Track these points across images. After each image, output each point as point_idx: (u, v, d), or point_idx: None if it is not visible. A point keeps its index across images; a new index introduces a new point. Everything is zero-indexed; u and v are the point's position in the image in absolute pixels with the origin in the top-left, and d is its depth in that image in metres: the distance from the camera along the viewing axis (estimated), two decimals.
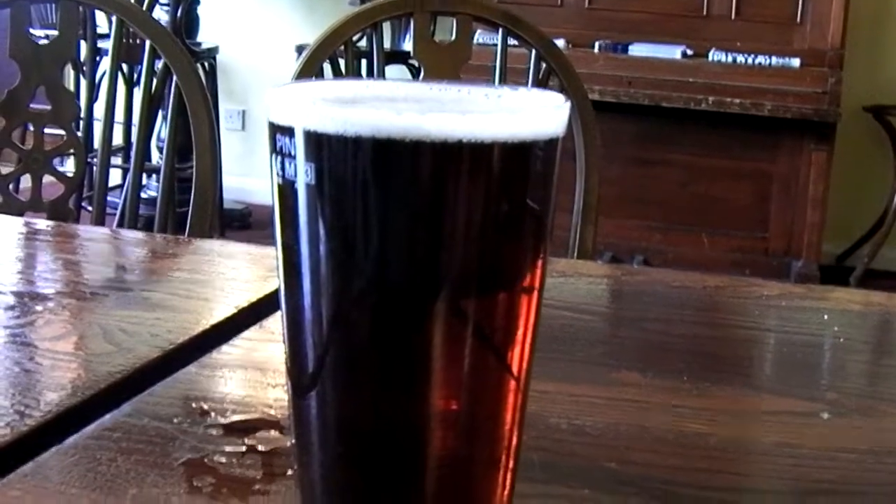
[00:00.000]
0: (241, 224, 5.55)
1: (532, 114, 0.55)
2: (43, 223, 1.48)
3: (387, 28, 3.43)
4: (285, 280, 0.58)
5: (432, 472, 0.56)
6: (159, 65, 1.99)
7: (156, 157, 4.65)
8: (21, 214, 1.85)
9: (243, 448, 0.77)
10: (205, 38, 5.49)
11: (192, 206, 1.91)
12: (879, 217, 5.01)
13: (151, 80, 2.01)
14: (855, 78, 4.77)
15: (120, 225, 2.13)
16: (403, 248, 0.53)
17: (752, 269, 4.72)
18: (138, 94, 2.06)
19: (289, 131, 0.55)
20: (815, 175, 4.66)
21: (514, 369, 0.57)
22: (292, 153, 0.55)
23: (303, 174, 0.54)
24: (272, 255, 0.58)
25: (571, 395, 0.88)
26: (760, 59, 4.62)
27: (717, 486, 0.74)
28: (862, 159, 5.15)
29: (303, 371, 0.58)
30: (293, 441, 0.60)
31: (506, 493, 0.59)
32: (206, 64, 5.24)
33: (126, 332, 1.00)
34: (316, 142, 0.54)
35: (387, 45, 2.24)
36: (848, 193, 5.07)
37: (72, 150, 2.03)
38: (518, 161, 0.54)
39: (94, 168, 2.10)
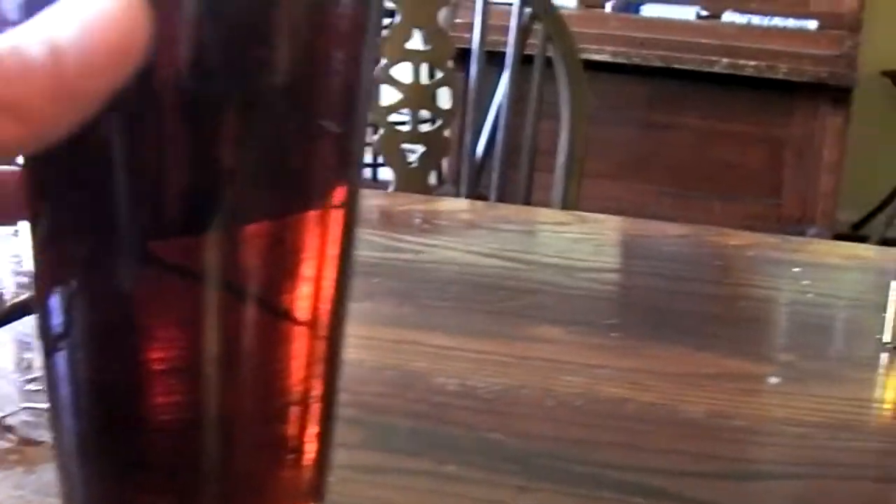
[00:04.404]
0: None
1: None
2: None
3: None
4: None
5: (188, 431, 0.43)
6: None
7: None
8: None
9: None
10: None
11: None
12: None
13: None
14: (873, 42, 4.62)
15: None
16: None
17: None
18: None
19: None
20: (831, 141, 4.51)
21: (300, 313, 0.43)
22: None
23: None
24: None
25: (473, 351, 0.74)
26: (776, 21, 4.47)
27: (617, 465, 0.60)
28: (879, 125, 5.00)
29: (48, 319, 0.44)
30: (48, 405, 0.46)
31: (305, 460, 0.45)
32: None
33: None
34: None
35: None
36: (864, 160, 4.91)
37: None
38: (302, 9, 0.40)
39: None
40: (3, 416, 0.63)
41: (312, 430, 0.45)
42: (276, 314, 0.42)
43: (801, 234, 4.53)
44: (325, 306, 0.43)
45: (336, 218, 0.43)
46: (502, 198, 1.98)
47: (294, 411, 0.44)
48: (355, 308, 0.83)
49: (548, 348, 0.76)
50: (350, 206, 0.44)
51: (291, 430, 0.44)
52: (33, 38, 0.31)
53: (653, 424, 0.65)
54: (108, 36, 0.32)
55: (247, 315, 0.41)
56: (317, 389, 0.44)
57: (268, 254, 0.41)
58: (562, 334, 0.79)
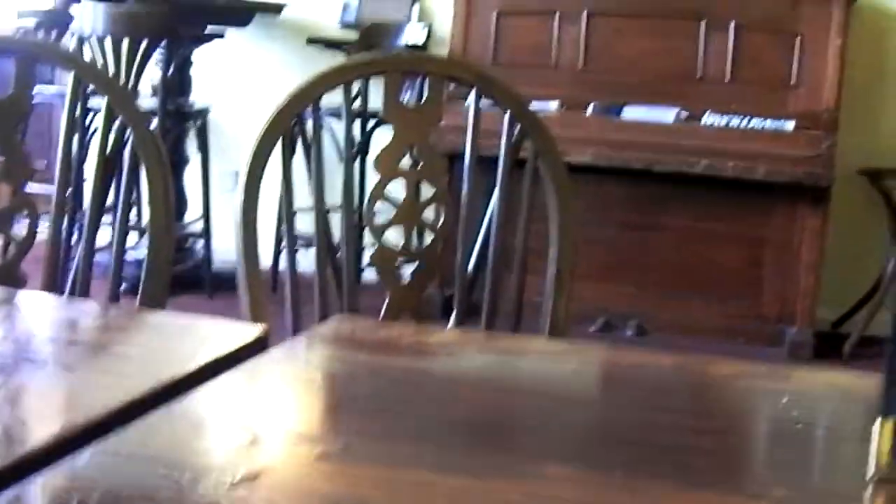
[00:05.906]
0: (232, 285, 5.44)
1: None
2: None
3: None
4: None
5: None
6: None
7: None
8: None
9: None
10: (197, 98, 5.42)
11: (144, 271, 1.85)
12: (875, 282, 4.92)
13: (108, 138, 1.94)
14: (850, 141, 4.69)
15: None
16: None
17: (745, 335, 4.65)
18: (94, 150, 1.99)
19: None
20: (809, 240, 4.58)
21: None
22: None
23: None
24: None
25: (485, 491, 0.80)
26: (755, 122, 4.55)
27: None
28: (857, 224, 5.06)
29: None
30: None
31: None
32: (197, 124, 5.17)
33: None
34: None
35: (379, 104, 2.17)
36: (843, 258, 4.97)
37: (25, 211, 1.96)
38: None
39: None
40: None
41: None
42: None
43: (782, 332, 4.59)
44: None
45: None
46: (494, 303, 2.03)
47: None
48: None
49: (556, 487, 0.81)
50: None
51: None
52: None
53: None
54: None
55: None
56: None
57: None
58: (568, 472, 0.84)
